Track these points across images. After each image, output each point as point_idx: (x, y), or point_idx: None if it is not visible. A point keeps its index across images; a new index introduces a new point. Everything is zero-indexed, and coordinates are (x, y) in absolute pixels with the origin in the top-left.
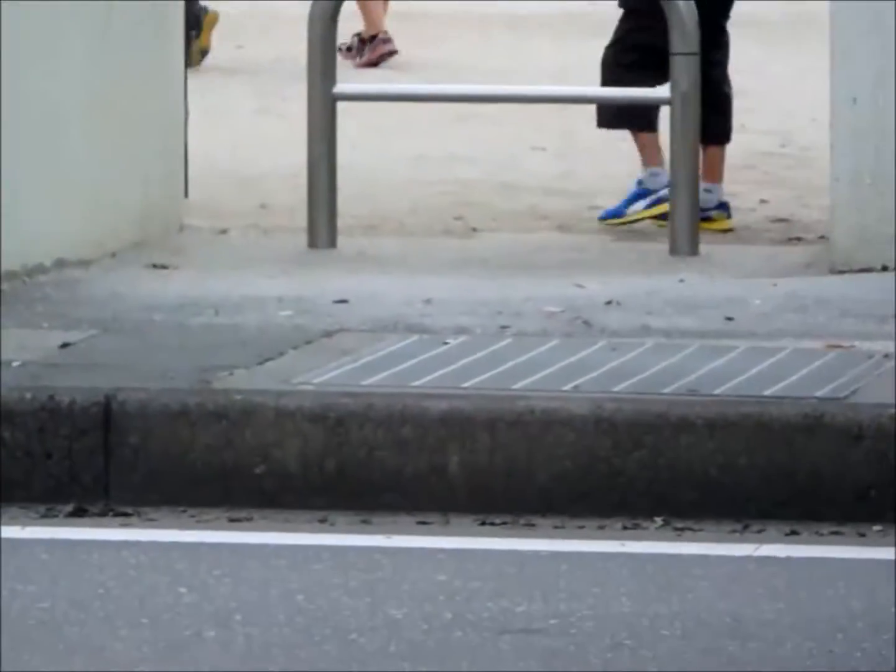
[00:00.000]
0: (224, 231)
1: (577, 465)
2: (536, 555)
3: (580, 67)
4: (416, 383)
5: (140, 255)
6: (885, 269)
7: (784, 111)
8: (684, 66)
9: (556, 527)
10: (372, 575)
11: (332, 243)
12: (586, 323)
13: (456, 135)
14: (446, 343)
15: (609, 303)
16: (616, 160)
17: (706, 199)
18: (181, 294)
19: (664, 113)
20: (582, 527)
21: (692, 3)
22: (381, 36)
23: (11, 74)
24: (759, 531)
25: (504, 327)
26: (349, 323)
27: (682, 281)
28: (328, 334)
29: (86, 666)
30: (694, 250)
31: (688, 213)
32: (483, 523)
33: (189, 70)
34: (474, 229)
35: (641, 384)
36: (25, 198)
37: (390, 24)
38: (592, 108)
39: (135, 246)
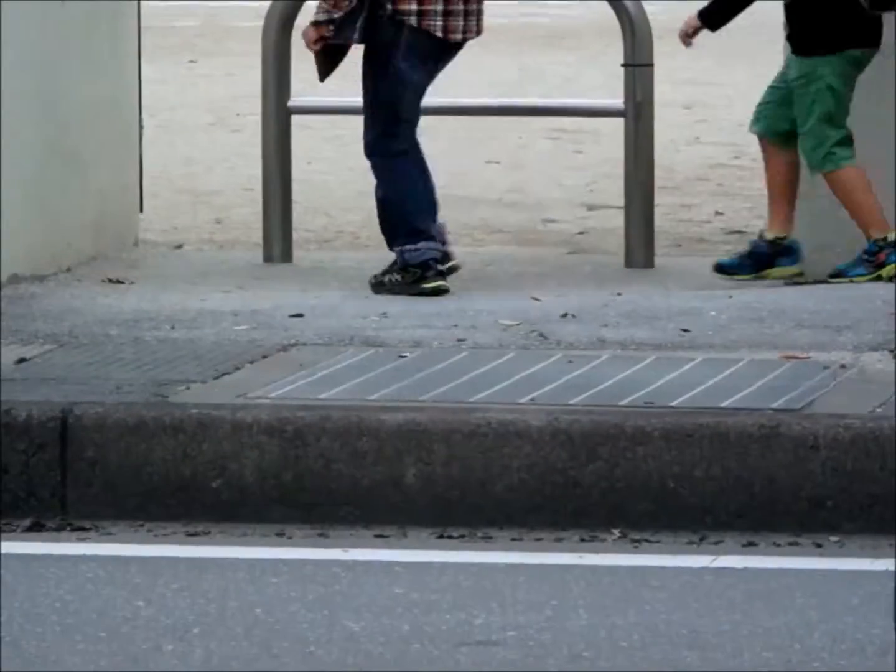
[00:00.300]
0: (179, 245)
1: (533, 477)
2: (494, 567)
3: (532, 79)
4: (373, 396)
5: (95, 270)
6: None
7: (737, 123)
8: (638, 77)
9: (513, 539)
10: (330, 588)
11: (287, 257)
12: (542, 335)
13: None
14: (403, 356)
15: (565, 315)
16: (569, 173)
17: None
18: (137, 308)
19: None
20: (539, 539)
21: (644, 12)
22: None
23: None
24: (716, 542)
25: (460, 340)
26: (305, 337)
27: (637, 293)
28: (284, 348)
29: None
30: (649, 262)
31: (642, 224)
32: (440, 536)
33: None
34: None
35: (598, 396)
36: None
37: None
38: (546, 121)
39: (90, 260)
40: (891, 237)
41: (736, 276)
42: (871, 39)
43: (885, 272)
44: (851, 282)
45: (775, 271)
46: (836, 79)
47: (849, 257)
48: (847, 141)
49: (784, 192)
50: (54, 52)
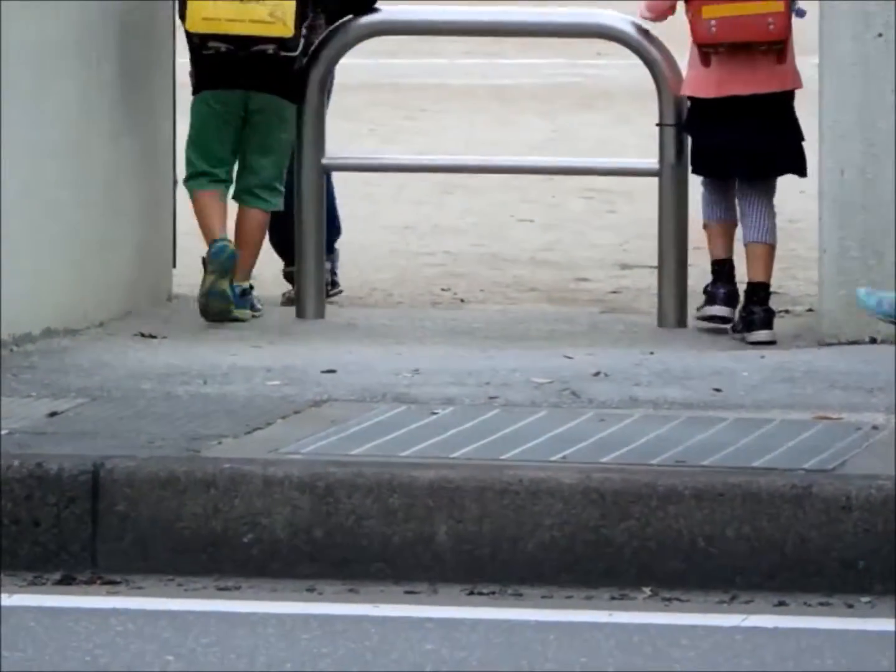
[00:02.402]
0: None
1: (565, 535)
2: (524, 624)
3: (565, 139)
4: (405, 453)
5: (128, 325)
6: (873, 341)
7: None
8: (671, 138)
9: (543, 596)
10: (360, 644)
11: (320, 313)
12: (574, 394)
13: (443, 205)
14: (434, 413)
15: (597, 374)
16: (602, 232)
17: None
18: (169, 363)
19: None
20: (570, 596)
21: (680, 72)
22: None
23: None
24: (747, 602)
25: (492, 398)
26: (337, 393)
27: (670, 352)
28: (316, 404)
29: None
30: (682, 322)
31: (675, 284)
32: (471, 593)
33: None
34: (462, 300)
35: (629, 455)
36: (13, 267)
37: (382, 96)
38: (578, 181)
39: (123, 315)
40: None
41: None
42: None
43: None
44: None
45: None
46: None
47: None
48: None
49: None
50: (90, 109)
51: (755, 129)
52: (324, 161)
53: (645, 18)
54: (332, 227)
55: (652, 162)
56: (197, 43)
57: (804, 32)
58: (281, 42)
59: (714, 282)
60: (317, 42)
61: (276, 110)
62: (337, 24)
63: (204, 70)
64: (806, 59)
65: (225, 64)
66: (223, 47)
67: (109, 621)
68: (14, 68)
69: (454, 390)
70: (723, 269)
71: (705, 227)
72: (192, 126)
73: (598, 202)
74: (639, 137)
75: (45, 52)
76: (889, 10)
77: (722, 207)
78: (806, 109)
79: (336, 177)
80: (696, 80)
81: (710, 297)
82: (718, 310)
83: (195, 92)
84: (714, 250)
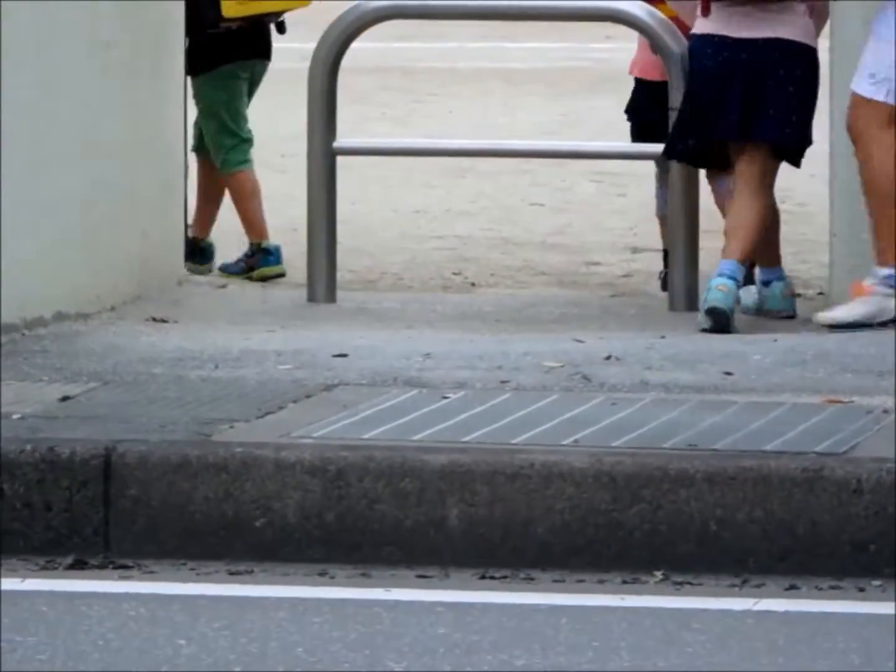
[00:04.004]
0: (223, 285)
1: (576, 519)
2: (536, 608)
3: (575, 122)
4: (416, 437)
5: (140, 309)
6: (882, 324)
7: (782, 166)
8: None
9: (555, 580)
10: (371, 628)
11: (331, 297)
12: (585, 377)
13: (454, 190)
14: (446, 397)
15: (608, 357)
16: (612, 216)
17: None
18: (181, 347)
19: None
20: (581, 580)
21: (689, 57)
22: None
23: (6, 127)
24: (759, 585)
25: (503, 382)
26: (348, 377)
27: (681, 336)
28: (328, 388)
29: None
30: (693, 306)
31: (686, 268)
32: (483, 577)
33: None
34: (473, 284)
35: (641, 438)
36: (24, 251)
37: (393, 80)
38: (589, 164)
39: (134, 299)
40: (264, 244)
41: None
42: (245, 53)
43: (255, 274)
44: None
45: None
46: (217, 92)
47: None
48: (242, 147)
49: (207, 197)
50: (100, 93)
51: None
52: (335, 145)
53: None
54: None
55: (662, 146)
56: (211, 21)
57: None
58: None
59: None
60: (328, 26)
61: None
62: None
63: (219, 47)
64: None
65: (242, 37)
66: (235, 25)
67: (121, 605)
68: (22, 52)
69: (465, 374)
70: None
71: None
72: (222, 101)
73: (609, 186)
74: None
75: (54, 36)
76: None
77: None
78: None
79: (347, 160)
80: (647, 64)
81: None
82: None
83: (208, 69)
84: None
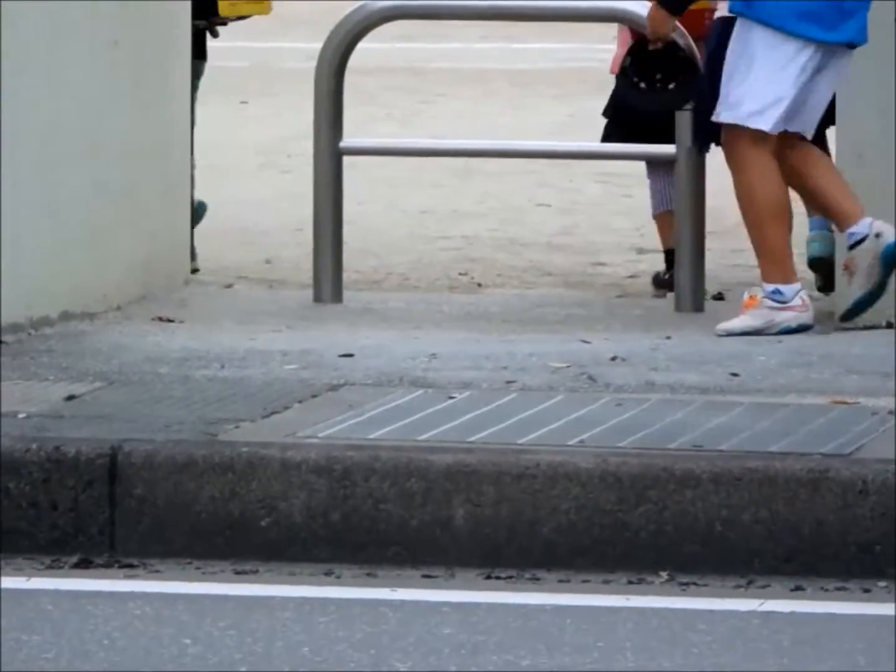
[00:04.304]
0: (229, 285)
1: (582, 519)
2: (541, 608)
3: (582, 123)
4: (422, 437)
5: (146, 308)
6: (889, 325)
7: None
8: (688, 122)
9: (560, 581)
10: (377, 628)
11: (337, 297)
12: (591, 378)
13: (460, 190)
14: (452, 397)
15: (614, 358)
16: (618, 216)
17: None
18: (186, 347)
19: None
20: (587, 581)
21: (698, 58)
22: None
23: (11, 127)
24: (764, 586)
25: (509, 382)
26: (354, 377)
27: (686, 337)
28: (334, 388)
29: None
30: (698, 307)
31: (692, 269)
32: (488, 577)
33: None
34: (479, 284)
35: (646, 439)
36: (30, 250)
37: (399, 80)
38: (595, 165)
39: (140, 299)
40: None
41: None
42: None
43: None
44: None
45: None
46: None
47: None
48: None
49: None
50: (106, 92)
51: None
52: (341, 145)
53: None
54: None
55: (669, 147)
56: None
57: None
58: None
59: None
60: (334, 26)
61: None
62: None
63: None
64: None
65: (198, 38)
66: (202, 24)
67: (127, 605)
68: (27, 51)
69: (471, 374)
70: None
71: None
72: None
73: (615, 186)
74: None
75: (60, 33)
76: None
77: (669, 195)
78: None
79: (353, 161)
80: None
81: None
82: None
83: None
84: (669, 239)
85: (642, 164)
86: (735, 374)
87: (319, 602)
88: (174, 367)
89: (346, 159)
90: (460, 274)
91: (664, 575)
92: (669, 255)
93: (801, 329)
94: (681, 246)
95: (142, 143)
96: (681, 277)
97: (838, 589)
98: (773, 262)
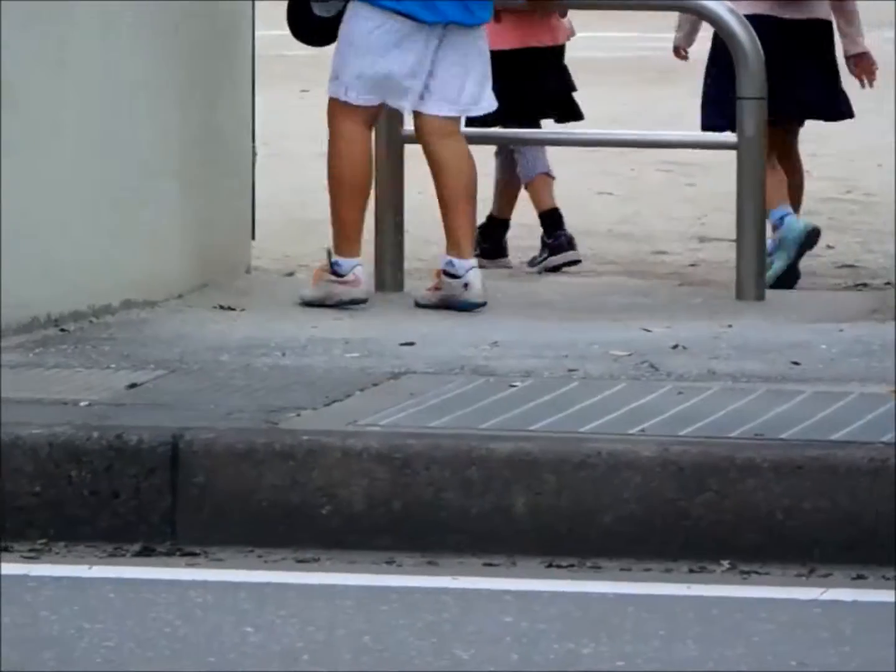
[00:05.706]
0: (290, 273)
1: (643, 508)
2: (603, 597)
3: (642, 111)
4: (483, 425)
5: (207, 297)
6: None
7: (846, 156)
8: (751, 111)
9: (622, 569)
10: (438, 616)
11: (399, 286)
12: (653, 366)
13: None
14: (513, 386)
15: (675, 347)
16: (680, 205)
17: None
18: (248, 335)
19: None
20: (648, 569)
21: (759, 46)
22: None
23: (72, 113)
24: (826, 575)
25: (571, 370)
26: (415, 365)
27: (748, 325)
28: (395, 376)
29: None
30: (760, 295)
31: (754, 257)
32: (549, 565)
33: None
34: (540, 272)
35: (708, 428)
36: (93, 238)
37: None
38: (657, 154)
39: (201, 287)
40: None
41: None
42: None
43: None
44: None
45: None
46: None
47: None
48: None
49: None
50: (169, 77)
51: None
52: (403, 133)
53: None
54: None
55: (730, 135)
56: None
57: (877, 6)
58: None
59: (555, 231)
60: None
61: None
62: None
63: None
64: (880, 34)
65: None
66: None
67: (188, 593)
68: (87, 35)
69: (532, 363)
70: (553, 217)
71: (528, 185)
72: None
73: (677, 175)
74: None
75: (121, 20)
76: None
77: (544, 161)
78: (882, 82)
79: (415, 149)
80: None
81: (558, 247)
82: (573, 255)
83: None
84: (544, 201)
85: (706, 153)
86: (796, 363)
87: (380, 590)
88: (235, 355)
89: (408, 147)
90: (522, 262)
91: (725, 563)
92: (547, 218)
93: (354, 303)
94: (742, 234)
95: (205, 130)
96: (742, 265)
97: None
98: (341, 235)
